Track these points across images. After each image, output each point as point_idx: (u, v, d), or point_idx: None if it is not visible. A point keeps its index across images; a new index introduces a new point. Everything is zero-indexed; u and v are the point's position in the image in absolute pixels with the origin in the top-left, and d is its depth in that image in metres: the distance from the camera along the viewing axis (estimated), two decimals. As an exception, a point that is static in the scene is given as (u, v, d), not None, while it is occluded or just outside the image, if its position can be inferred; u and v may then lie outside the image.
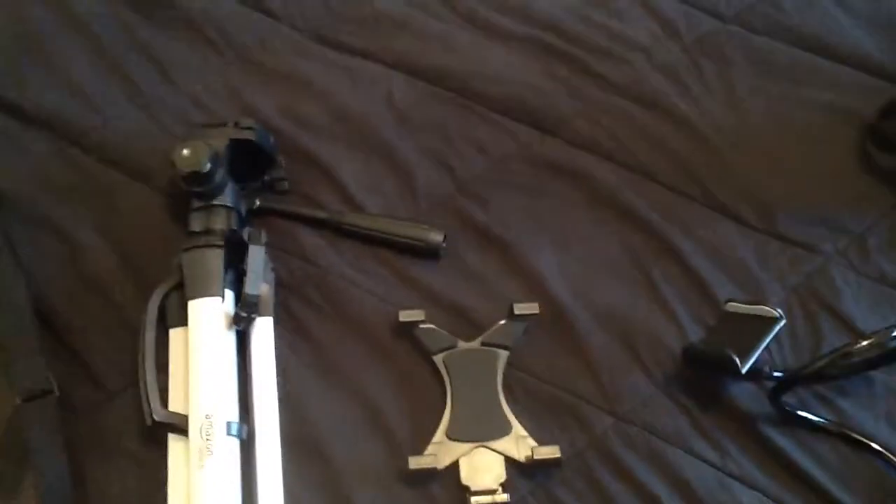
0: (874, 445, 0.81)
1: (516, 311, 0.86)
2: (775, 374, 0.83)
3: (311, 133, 1.02)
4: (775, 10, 1.14)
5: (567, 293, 0.91)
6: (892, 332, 0.78)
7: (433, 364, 0.86)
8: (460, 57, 1.10)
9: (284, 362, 0.85)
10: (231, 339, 0.83)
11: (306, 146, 1.01)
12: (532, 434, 0.81)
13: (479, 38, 1.12)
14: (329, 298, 0.90)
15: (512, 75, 1.08)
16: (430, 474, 0.79)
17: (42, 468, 0.76)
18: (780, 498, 0.79)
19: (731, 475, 0.81)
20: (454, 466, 0.80)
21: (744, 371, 0.79)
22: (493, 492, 0.78)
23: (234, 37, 1.12)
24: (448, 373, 0.84)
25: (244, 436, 0.78)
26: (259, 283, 0.83)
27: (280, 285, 0.89)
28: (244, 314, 0.82)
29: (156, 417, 0.78)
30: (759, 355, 0.81)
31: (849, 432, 0.82)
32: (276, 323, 0.86)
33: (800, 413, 0.83)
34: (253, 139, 0.92)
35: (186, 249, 0.85)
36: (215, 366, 0.80)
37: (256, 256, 0.84)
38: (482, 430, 0.81)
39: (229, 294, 0.84)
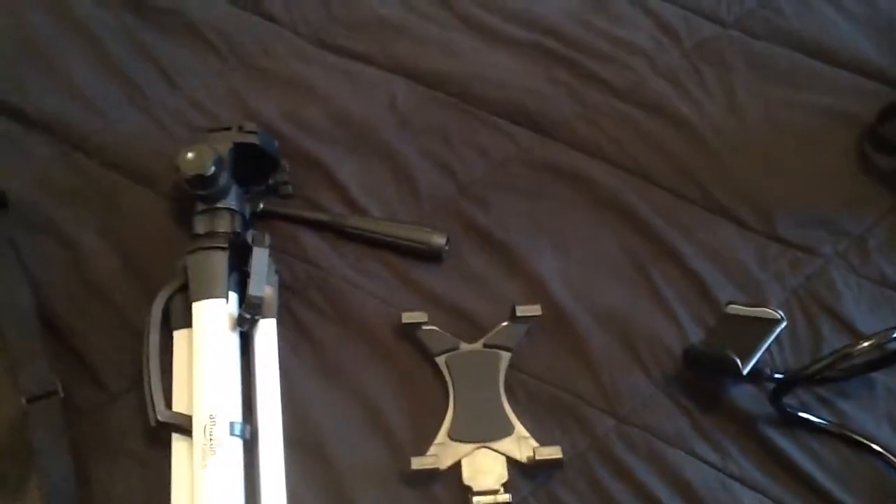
0: (875, 446, 0.81)
1: (518, 313, 0.87)
2: (776, 375, 0.84)
3: (313, 137, 1.03)
4: (775, 15, 1.15)
5: (568, 295, 0.91)
6: (893, 333, 0.79)
7: (435, 365, 0.86)
8: (461, 61, 1.10)
9: (287, 364, 0.86)
10: (235, 340, 0.83)
11: (309, 150, 1.01)
12: (534, 435, 0.82)
13: (479, 42, 1.13)
14: (332, 301, 0.91)
15: (512, 79, 1.08)
16: (432, 475, 0.80)
17: (47, 469, 0.76)
18: (781, 499, 0.80)
19: (731, 476, 0.81)
20: (456, 467, 0.80)
21: (745, 372, 0.80)
22: (494, 492, 0.78)
23: (236, 41, 1.12)
24: (450, 374, 0.85)
25: (247, 436, 0.79)
26: (263, 285, 0.83)
27: (283, 287, 0.90)
28: (248, 316, 0.82)
29: (160, 418, 0.78)
30: (760, 357, 0.81)
31: (849, 433, 0.82)
32: (279, 325, 0.87)
33: (800, 414, 0.83)
34: (256, 143, 0.93)
35: (191, 252, 0.86)
36: (219, 366, 0.81)
37: (260, 259, 0.85)
38: (484, 430, 0.82)
39: (233, 296, 0.85)
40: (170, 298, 0.85)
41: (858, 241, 0.95)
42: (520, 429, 0.82)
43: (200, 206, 0.89)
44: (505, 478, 0.79)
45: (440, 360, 0.86)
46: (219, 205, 0.88)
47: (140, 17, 1.15)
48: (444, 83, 1.08)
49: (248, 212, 0.92)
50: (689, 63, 1.10)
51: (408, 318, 0.87)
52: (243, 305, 0.82)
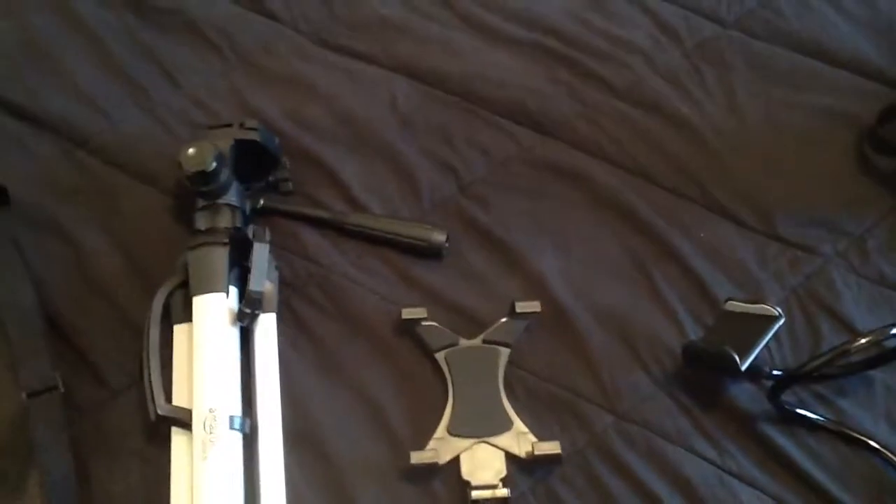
0: (873, 444, 0.81)
1: (518, 309, 0.87)
2: (774, 373, 0.84)
3: (314, 135, 1.03)
4: (775, 16, 1.15)
5: (568, 293, 0.91)
6: (890, 330, 0.79)
7: (434, 361, 0.86)
8: (462, 61, 1.11)
9: (287, 360, 0.86)
10: (235, 334, 0.84)
11: (310, 148, 1.02)
12: (532, 431, 0.82)
13: (480, 42, 1.13)
14: (331, 297, 0.91)
15: (513, 79, 1.09)
16: (431, 469, 0.80)
17: (47, 465, 0.77)
18: (779, 496, 0.80)
19: (730, 473, 0.81)
20: (455, 462, 0.80)
21: (743, 369, 0.80)
22: (493, 487, 0.78)
23: (238, 40, 1.13)
24: (449, 370, 0.85)
25: (247, 430, 0.79)
26: (263, 280, 0.84)
27: (283, 284, 0.90)
28: (248, 310, 0.82)
29: (160, 411, 0.78)
30: (759, 353, 0.81)
31: (848, 431, 0.82)
32: (279, 320, 0.87)
33: (799, 412, 0.83)
34: (257, 139, 0.93)
35: (192, 247, 0.86)
36: (219, 360, 0.81)
37: (261, 254, 0.85)
38: (483, 425, 0.82)
39: (233, 291, 0.85)
40: (170, 294, 0.86)
41: (858, 242, 0.95)
42: (518, 424, 0.82)
43: (201, 203, 0.89)
44: (504, 473, 0.79)
45: (439, 355, 0.86)
46: (220, 201, 0.88)
47: (142, 17, 1.15)
48: (446, 82, 1.08)
49: (248, 208, 0.93)
50: (689, 63, 1.11)
51: (408, 313, 0.87)
52: (243, 300, 0.83)
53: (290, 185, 0.98)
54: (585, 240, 0.96)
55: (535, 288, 0.92)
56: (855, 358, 0.83)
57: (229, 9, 1.16)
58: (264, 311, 0.85)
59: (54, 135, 1.03)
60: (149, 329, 0.83)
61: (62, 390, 0.80)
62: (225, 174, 0.88)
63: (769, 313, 0.84)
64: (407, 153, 1.02)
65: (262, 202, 0.95)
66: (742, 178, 1.00)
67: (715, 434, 0.83)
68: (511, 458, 0.81)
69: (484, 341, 0.87)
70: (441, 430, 0.82)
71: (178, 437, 0.79)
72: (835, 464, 0.81)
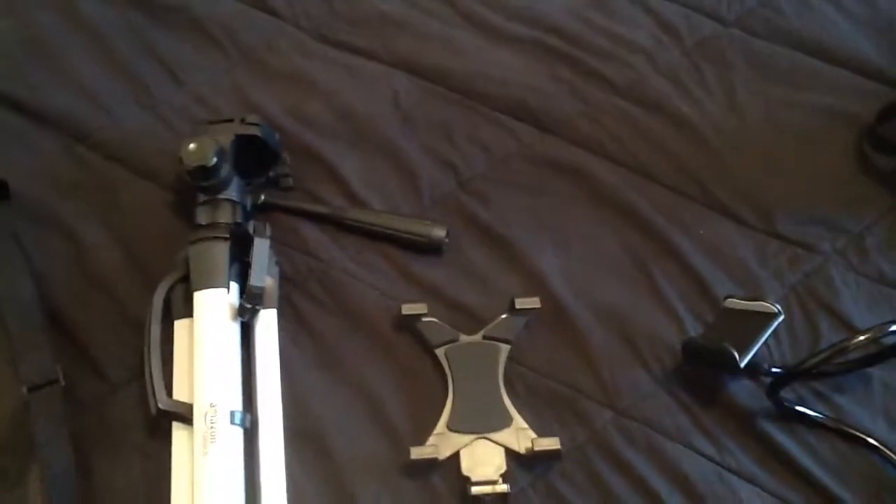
0: (871, 440, 0.82)
1: (518, 306, 0.87)
2: (773, 370, 0.84)
3: (315, 131, 1.03)
4: (775, 15, 1.15)
5: (568, 290, 0.92)
6: (888, 328, 0.79)
7: (434, 357, 0.86)
8: (463, 58, 1.11)
9: (287, 355, 0.86)
10: (235, 329, 0.84)
11: (310, 144, 1.02)
12: (532, 427, 0.82)
13: (481, 39, 1.14)
14: (332, 293, 0.91)
15: (515, 76, 1.09)
16: (431, 465, 0.80)
17: (48, 459, 0.77)
18: (778, 492, 0.80)
19: (729, 469, 0.81)
20: (455, 458, 0.80)
21: (742, 366, 0.80)
22: (493, 482, 0.78)
23: (239, 37, 1.13)
24: (449, 366, 0.85)
25: (247, 425, 0.79)
26: (264, 275, 0.84)
27: (283, 279, 0.90)
28: (249, 305, 0.83)
29: (161, 406, 0.78)
30: (758, 351, 0.82)
31: (846, 428, 0.83)
32: (279, 316, 0.87)
33: (797, 409, 0.83)
34: (258, 135, 0.93)
35: (192, 242, 0.86)
36: (220, 355, 0.81)
37: (261, 249, 0.85)
38: (483, 421, 0.82)
39: (234, 286, 0.85)
40: (171, 289, 0.86)
41: (857, 240, 0.96)
42: (518, 420, 0.82)
43: (202, 198, 0.89)
44: (503, 469, 0.80)
45: (440, 351, 0.86)
46: (220, 196, 0.89)
47: (145, 14, 1.15)
48: (447, 79, 1.08)
49: (249, 204, 0.93)
50: (689, 61, 1.11)
51: (408, 309, 0.87)
52: (244, 295, 0.83)
53: (290, 181, 0.98)
54: (585, 237, 0.97)
55: (535, 284, 0.92)
56: (853, 355, 0.83)
57: (232, 6, 1.16)
58: (265, 307, 0.85)
59: (56, 130, 1.03)
60: (150, 324, 0.83)
61: (63, 384, 0.80)
62: (226, 169, 0.88)
63: (768, 310, 0.84)
64: (407, 149, 1.02)
65: (262, 198, 0.95)
66: (742, 176, 1.00)
67: (714, 431, 0.83)
68: (511, 453, 0.81)
69: (484, 337, 0.87)
70: (441, 425, 0.82)
71: (178, 432, 0.79)
72: (833, 460, 0.82)
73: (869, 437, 0.82)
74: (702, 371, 0.86)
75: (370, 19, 1.15)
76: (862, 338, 0.79)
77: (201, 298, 0.83)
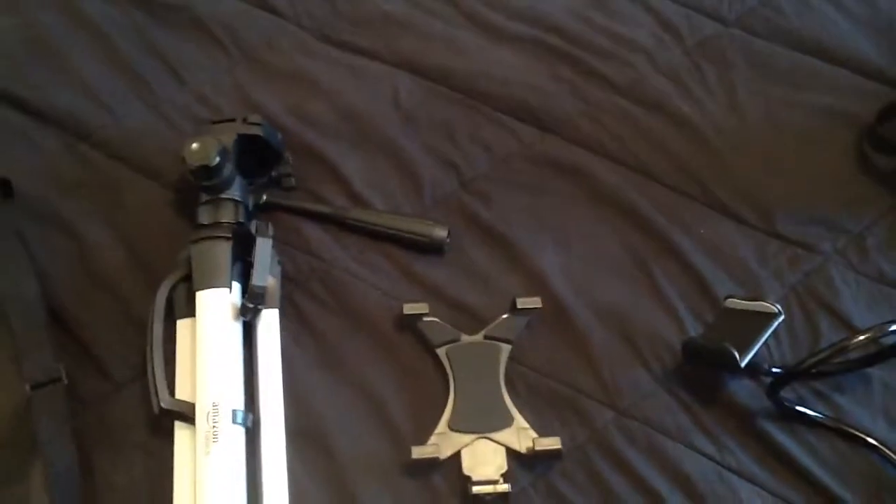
0: (870, 440, 0.82)
1: (519, 305, 0.88)
2: (773, 369, 0.84)
3: (317, 131, 1.04)
4: (776, 14, 1.15)
5: (568, 290, 0.92)
6: (888, 327, 0.79)
7: (436, 357, 0.87)
8: (465, 58, 1.11)
9: (289, 355, 0.86)
10: (237, 329, 0.84)
11: (312, 144, 1.02)
12: (533, 427, 0.82)
13: (483, 39, 1.14)
14: (334, 292, 0.91)
15: (516, 76, 1.09)
16: (432, 464, 0.80)
17: (51, 457, 0.77)
18: (778, 491, 0.80)
19: (729, 469, 0.82)
20: (456, 457, 0.81)
21: (742, 365, 0.80)
22: (494, 482, 0.79)
23: (241, 36, 1.13)
24: (451, 365, 0.85)
25: (249, 424, 0.79)
26: (266, 275, 0.84)
27: (286, 279, 0.90)
28: (251, 305, 0.83)
29: (163, 405, 0.79)
30: (758, 350, 0.82)
31: (846, 427, 0.83)
32: (281, 315, 0.87)
33: (798, 408, 0.84)
34: (260, 134, 0.93)
35: (194, 241, 0.86)
36: (222, 355, 0.82)
37: (264, 248, 0.85)
38: (484, 421, 0.82)
39: (236, 286, 0.86)
40: (173, 288, 0.86)
41: (857, 240, 0.96)
42: (519, 420, 0.82)
43: (204, 197, 0.89)
44: (504, 468, 0.80)
45: (441, 351, 0.86)
46: (223, 195, 0.89)
47: (147, 14, 1.15)
48: (449, 79, 1.09)
49: (251, 203, 0.93)
50: (690, 61, 1.11)
51: (409, 309, 0.87)
52: (246, 295, 0.83)
53: (292, 181, 0.99)
54: (586, 236, 0.97)
55: (536, 284, 0.92)
56: (853, 355, 0.83)
57: (234, 5, 1.16)
58: (267, 306, 0.85)
59: (58, 129, 1.04)
60: (152, 323, 0.83)
61: (66, 382, 0.80)
62: (228, 169, 0.89)
63: (769, 310, 0.84)
64: (409, 149, 1.03)
65: (264, 197, 0.96)
66: (742, 176, 1.01)
67: (714, 430, 0.84)
68: (512, 453, 0.81)
69: (485, 337, 0.87)
70: (442, 425, 0.82)
71: (181, 431, 0.79)
72: (833, 460, 0.82)
73: (869, 436, 0.82)
74: (702, 371, 0.86)
75: (373, 19, 1.15)
76: (862, 337, 0.79)
77: (203, 298, 0.84)
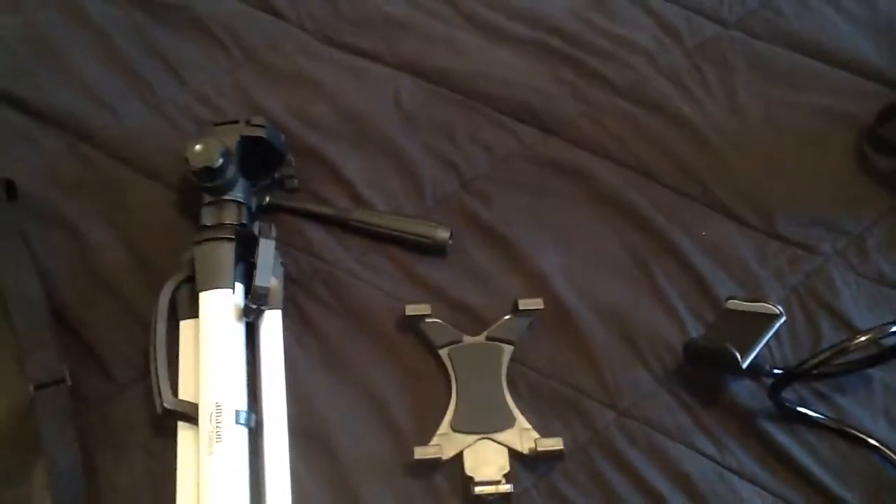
0: (871, 441, 0.82)
1: (521, 307, 0.88)
2: (775, 370, 0.84)
3: (319, 132, 1.04)
4: (776, 16, 1.16)
5: (569, 290, 0.92)
6: (889, 328, 0.79)
7: (438, 358, 0.87)
8: (466, 59, 1.11)
9: (292, 356, 0.86)
10: (240, 330, 0.84)
11: (314, 145, 1.02)
12: (535, 428, 0.82)
13: (483, 40, 1.14)
14: (336, 293, 0.92)
15: (516, 77, 1.09)
16: (434, 465, 0.81)
17: (53, 458, 0.77)
18: (779, 492, 0.81)
19: (730, 469, 0.82)
20: (458, 458, 0.81)
21: (744, 366, 0.80)
22: (496, 482, 0.79)
23: (243, 38, 1.13)
24: (453, 366, 0.86)
25: (252, 425, 0.80)
26: (269, 276, 0.84)
27: (288, 280, 0.91)
28: (254, 306, 0.83)
29: (166, 405, 0.79)
30: (760, 351, 0.82)
31: (846, 428, 0.83)
32: (284, 316, 0.87)
33: (799, 409, 0.84)
34: (263, 136, 0.93)
35: (198, 242, 0.87)
36: (225, 355, 0.82)
37: (267, 250, 0.85)
38: (486, 422, 0.82)
39: (239, 287, 0.86)
40: (176, 289, 0.86)
41: (857, 241, 0.96)
42: (521, 420, 0.83)
43: (207, 198, 0.90)
44: (507, 469, 0.80)
45: (443, 352, 0.87)
46: (226, 197, 0.89)
47: (148, 14, 1.16)
48: (449, 80, 1.09)
49: (254, 204, 0.93)
50: (691, 63, 1.11)
51: (412, 310, 0.88)
52: (249, 295, 0.83)
53: (294, 182, 0.99)
54: (587, 237, 0.97)
55: (538, 285, 0.92)
56: (854, 356, 0.84)
57: (235, 6, 1.16)
58: (270, 307, 0.86)
59: (60, 129, 1.04)
60: (156, 323, 0.84)
61: (69, 383, 0.80)
62: (231, 170, 0.89)
63: (770, 311, 0.85)
64: (410, 150, 1.03)
65: (267, 199, 0.96)
66: (743, 177, 1.01)
67: (715, 431, 0.84)
68: (514, 454, 0.81)
69: (487, 338, 0.88)
70: (445, 425, 0.82)
71: (184, 431, 0.80)
72: (834, 461, 0.82)
73: (869, 437, 0.82)
74: (703, 371, 0.86)
75: (374, 21, 1.15)
76: (863, 338, 0.79)
77: (207, 299, 0.84)
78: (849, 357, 0.83)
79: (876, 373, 0.87)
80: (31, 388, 0.79)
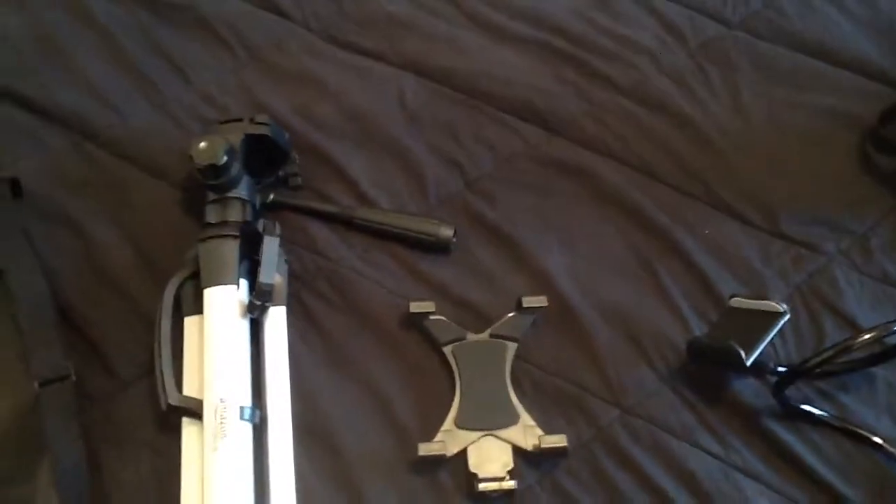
0: (875, 439, 0.82)
1: (525, 304, 0.88)
2: (779, 368, 0.84)
3: (323, 132, 1.04)
4: (779, 17, 1.16)
5: (573, 289, 0.92)
6: (893, 326, 0.80)
7: (442, 355, 0.87)
8: (469, 58, 1.12)
9: (296, 353, 0.86)
10: (245, 326, 0.85)
11: (318, 144, 1.03)
12: (539, 425, 0.82)
13: (486, 40, 1.14)
14: (340, 291, 0.92)
15: (520, 77, 1.10)
16: (438, 461, 0.81)
17: (58, 454, 0.77)
18: (783, 490, 0.81)
19: (734, 467, 0.82)
20: (462, 454, 0.81)
21: (748, 364, 0.80)
22: (500, 479, 0.79)
23: (248, 37, 1.14)
24: (457, 363, 0.86)
25: (257, 421, 0.80)
26: (273, 273, 0.85)
27: (292, 278, 0.91)
28: (258, 302, 0.83)
29: (171, 401, 0.79)
30: (764, 349, 0.82)
31: (850, 426, 0.83)
32: (288, 314, 0.87)
33: (802, 407, 0.84)
34: (267, 134, 0.94)
35: (202, 240, 0.87)
36: (230, 351, 0.82)
37: (271, 247, 0.86)
38: (490, 418, 0.82)
39: (244, 284, 0.86)
40: (181, 286, 0.86)
41: (861, 240, 0.96)
42: (525, 417, 0.83)
43: (212, 196, 0.90)
44: (510, 465, 0.80)
45: (447, 349, 0.87)
46: (230, 194, 0.89)
47: (153, 14, 1.16)
48: (452, 79, 1.09)
49: (258, 202, 0.94)
50: (694, 63, 1.11)
51: (416, 307, 0.88)
52: (254, 292, 0.84)
53: (299, 180, 0.99)
54: (591, 236, 0.97)
55: (541, 284, 0.92)
56: (858, 355, 0.84)
57: (240, 6, 1.17)
58: (274, 304, 0.86)
59: (65, 128, 1.04)
60: (160, 320, 0.84)
61: (74, 379, 0.80)
62: (235, 168, 0.89)
63: (774, 309, 0.84)
64: (414, 149, 1.03)
65: (271, 196, 0.96)
66: (746, 176, 1.01)
67: (719, 429, 0.84)
68: (518, 450, 0.81)
69: (491, 335, 0.88)
70: (449, 422, 0.83)
71: (188, 427, 0.80)
72: (838, 459, 0.82)
73: (873, 435, 0.82)
74: (706, 369, 0.87)
75: (378, 20, 1.15)
76: (866, 337, 0.79)
77: (211, 295, 0.84)
78: (852, 356, 0.83)
79: (879, 371, 0.87)
80: (36, 384, 0.79)
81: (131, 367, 0.86)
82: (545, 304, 0.88)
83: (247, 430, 0.79)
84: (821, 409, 0.84)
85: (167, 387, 0.80)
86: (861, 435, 0.83)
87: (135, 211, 0.98)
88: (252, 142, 0.93)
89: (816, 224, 0.97)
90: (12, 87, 1.07)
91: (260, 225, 0.88)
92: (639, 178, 1.01)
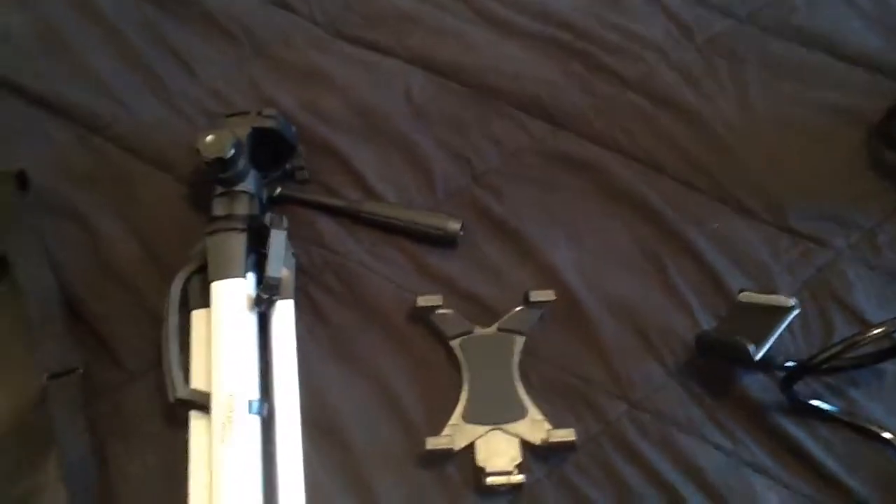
0: (884, 434, 0.82)
1: (532, 298, 0.88)
2: (787, 364, 0.84)
3: (330, 126, 1.04)
4: (787, 12, 1.16)
5: (581, 283, 0.92)
6: (903, 321, 0.80)
7: (449, 349, 0.87)
8: (476, 53, 1.12)
9: (304, 347, 0.86)
10: (252, 320, 0.84)
11: (325, 138, 1.03)
12: (547, 419, 0.82)
13: (494, 34, 1.14)
14: (348, 285, 0.92)
15: (527, 71, 1.10)
16: (446, 455, 0.81)
17: (65, 447, 0.78)
18: (792, 484, 0.80)
19: (743, 462, 0.81)
20: (470, 448, 0.81)
21: (756, 359, 0.80)
22: (508, 473, 0.79)
23: (255, 31, 1.14)
24: (464, 357, 0.86)
25: (265, 414, 0.80)
26: (280, 266, 0.85)
27: (300, 272, 0.91)
28: (265, 296, 0.83)
29: (178, 394, 0.79)
30: (772, 344, 0.82)
31: (859, 422, 0.83)
32: (296, 308, 0.87)
33: (811, 402, 0.84)
34: (274, 127, 0.94)
35: (210, 233, 0.87)
36: (237, 345, 0.82)
37: (278, 240, 0.86)
38: (498, 412, 0.82)
39: (251, 277, 0.86)
40: (188, 279, 0.86)
41: (869, 235, 0.96)
42: (533, 411, 0.83)
43: (219, 189, 0.90)
44: (518, 459, 0.80)
45: (454, 343, 0.87)
46: (237, 188, 0.89)
47: (159, 8, 1.17)
48: (460, 74, 1.09)
49: (265, 196, 0.94)
50: (701, 57, 1.11)
51: (423, 301, 0.88)
52: (261, 286, 0.83)
53: (305, 174, 0.99)
54: (597, 230, 0.97)
55: (549, 278, 0.92)
56: (866, 350, 0.83)
57: (246, 0, 1.17)
58: (281, 298, 0.86)
59: (72, 122, 1.05)
60: (167, 314, 0.84)
61: (82, 371, 0.80)
62: (242, 162, 0.89)
63: (784, 304, 0.84)
64: (421, 143, 1.03)
65: (278, 190, 0.96)
66: (753, 171, 1.01)
67: (727, 424, 0.84)
68: (526, 444, 0.81)
69: (499, 329, 0.88)
70: (456, 416, 0.82)
71: (196, 420, 0.80)
72: (846, 454, 0.82)
73: (882, 431, 0.82)
74: (714, 364, 0.86)
75: (385, 15, 1.16)
76: (875, 332, 0.79)
77: (219, 288, 0.84)
78: (861, 351, 0.82)
79: (888, 367, 0.86)
80: (45, 377, 0.79)
81: (139, 360, 0.87)
82: (553, 297, 0.88)
83: (255, 423, 0.79)
84: (829, 405, 0.84)
85: (175, 380, 0.80)
86: (870, 430, 0.82)
87: (141, 204, 0.98)
88: (259, 135, 0.93)
89: (825, 219, 0.97)
90: (19, 81, 1.07)
91: (267, 219, 0.88)
92: (646, 172, 1.01)
